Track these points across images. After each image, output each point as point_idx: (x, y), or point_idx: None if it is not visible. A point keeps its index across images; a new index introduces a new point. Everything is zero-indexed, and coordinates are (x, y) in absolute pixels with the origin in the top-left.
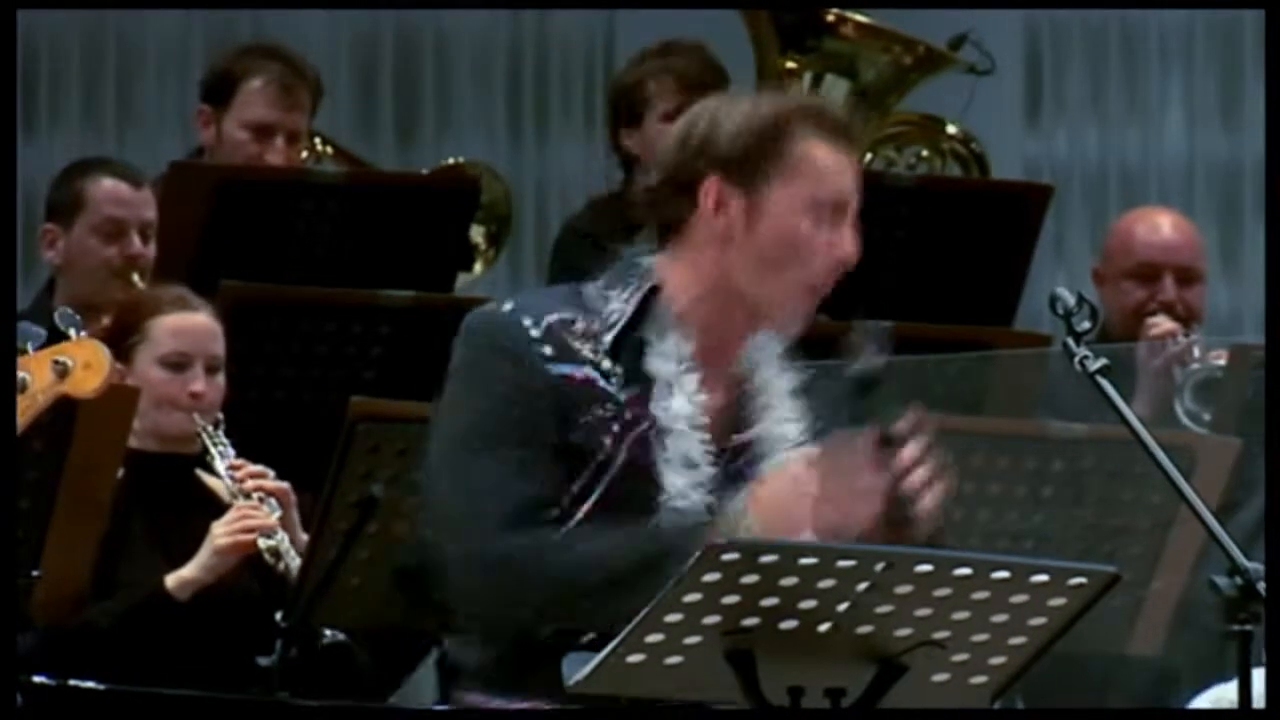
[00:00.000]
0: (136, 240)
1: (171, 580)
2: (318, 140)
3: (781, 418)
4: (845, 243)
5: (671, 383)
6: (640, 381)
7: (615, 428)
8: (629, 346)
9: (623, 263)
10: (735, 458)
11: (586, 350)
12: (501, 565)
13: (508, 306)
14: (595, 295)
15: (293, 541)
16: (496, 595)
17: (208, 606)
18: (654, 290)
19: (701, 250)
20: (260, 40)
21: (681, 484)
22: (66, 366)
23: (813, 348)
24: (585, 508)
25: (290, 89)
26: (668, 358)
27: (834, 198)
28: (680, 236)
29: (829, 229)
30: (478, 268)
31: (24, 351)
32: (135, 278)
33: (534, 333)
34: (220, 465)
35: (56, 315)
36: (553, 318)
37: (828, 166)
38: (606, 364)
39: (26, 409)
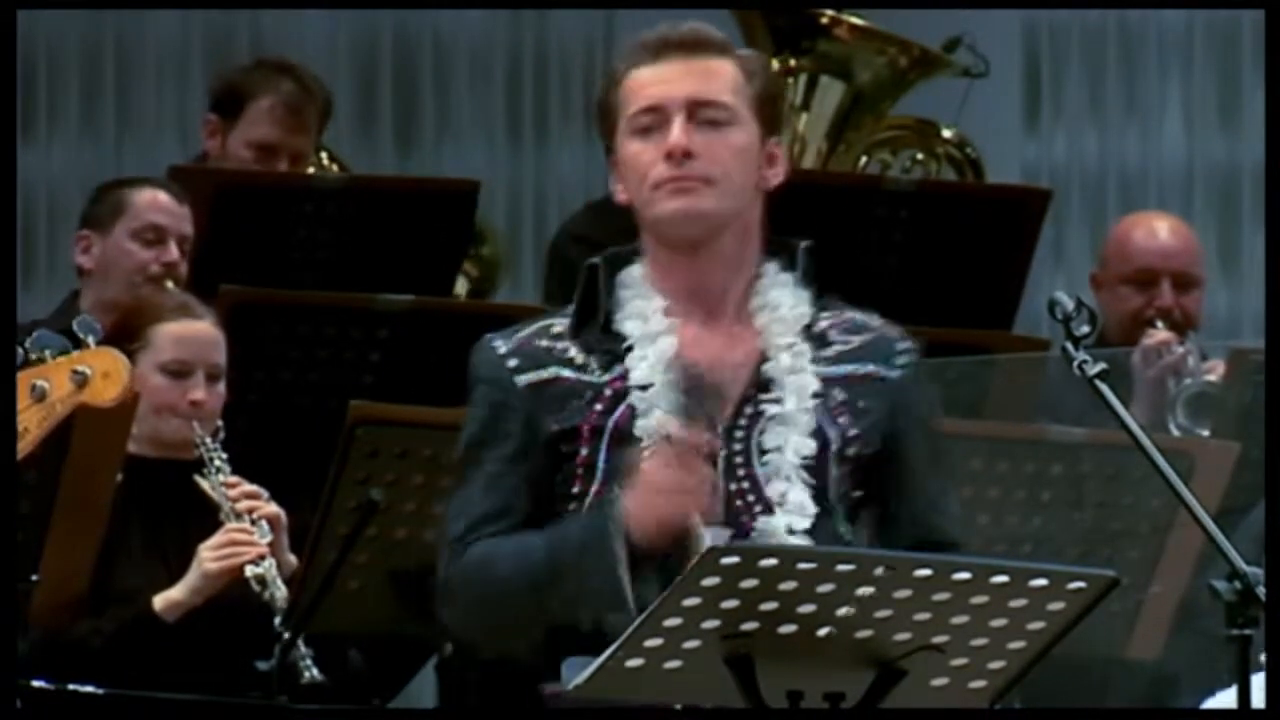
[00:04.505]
0: (174, 249)
1: (160, 602)
2: (324, 155)
3: (790, 392)
4: (670, 137)
5: (640, 343)
6: (622, 358)
7: (598, 407)
8: (597, 327)
9: None
10: (752, 419)
11: (559, 349)
12: (448, 593)
13: (491, 334)
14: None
15: (280, 566)
16: (453, 621)
17: (205, 612)
18: (616, 266)
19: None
20: (272, 55)
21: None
22: (85, 375)
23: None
24: (594, 487)
25: (298, 110)
26: (634, 320)
27: (646, 106)
28: None
29: (657, 135)
30: None
31: (42, 359)
32: (170, 285)
33: (501, 350)
34: (215, 482)
35: (76, 322)
36: (531, 328)
37: (642, 84)
38: (580, 357)
39: (45, 418)
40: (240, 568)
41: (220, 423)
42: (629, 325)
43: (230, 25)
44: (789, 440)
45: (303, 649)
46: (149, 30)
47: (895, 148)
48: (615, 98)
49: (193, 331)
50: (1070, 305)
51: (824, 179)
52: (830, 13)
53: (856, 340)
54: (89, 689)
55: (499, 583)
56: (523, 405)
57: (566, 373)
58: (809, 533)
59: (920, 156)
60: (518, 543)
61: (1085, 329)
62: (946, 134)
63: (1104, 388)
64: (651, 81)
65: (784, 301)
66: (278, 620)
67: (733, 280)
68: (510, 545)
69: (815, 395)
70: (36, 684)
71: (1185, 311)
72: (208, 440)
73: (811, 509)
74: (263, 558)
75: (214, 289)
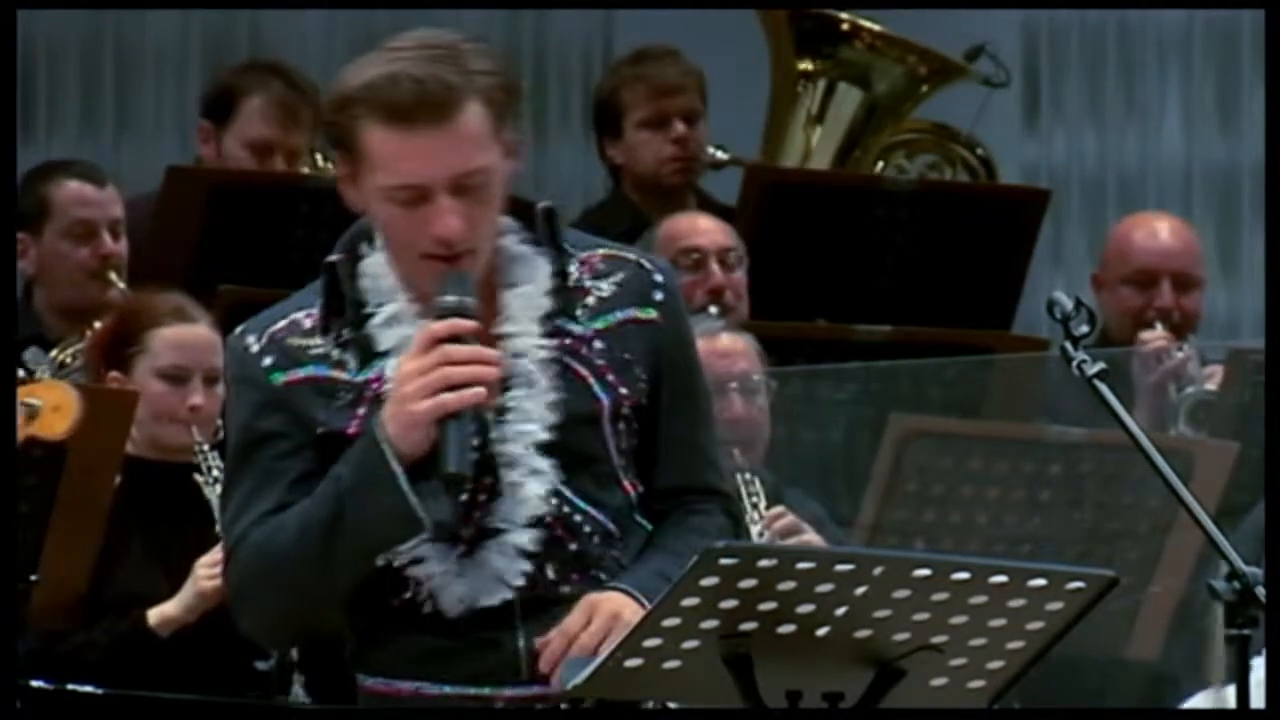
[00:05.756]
0: (108, 238)
1: (154, 616)
2: (319, 157)
3: (531, 390)
4: (438, 224)
5: (397, 348)
6: (377, 356)
7: (361, 410)
8: (346, 323)
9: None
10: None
11: (312, 346)
12: (235, 593)
13: (240, 328)
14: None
15: None
16: (249, 620)
17: (201, 624)
18: (356, 257)
19: None
20: (261, 57)
21: None
22: (35, 408)
23: (810, 351)
24: None
25: (290, 107)
26: (385, 321)
27: (404, 184)
28: None
29: (418, 209)
30: None
31: (32, 376)
32: (112, 276)
33: (255, 348)
34: (212, 495)
35: (26, 354)
36: (278, 325)
37: (394, 155)
38: (335, 353)
39: None
40: None
41: (220, 422)
42: (381, 330)
43: (230, 25)
44: (521, 431)
45: (296, 676)
46: (149, 30)
47: (911, 152)
48: (354, 132)
49: (190, 336)
50: (1069, 305)
51: (824, 179)
52: (847, 16)
53: (610, 284)
54: (89, 689)
55: (286, 547)
56: (285, 403)
57: (323, 370)
58: (540, 521)
59: (935, 160)
60: (297, 508)
61: (1084, 329)
62: (962, 138)
63: (1103, 388)
64: (406, 156)
65: (522, 278)
66: None
67: (479, 272)
68: (290, 512)
69: (567, 361)
70: (36, 684)
71: (1185, 312)
72: (205, 448)
73: (542, 508)
74: None
75: (213, 289)
